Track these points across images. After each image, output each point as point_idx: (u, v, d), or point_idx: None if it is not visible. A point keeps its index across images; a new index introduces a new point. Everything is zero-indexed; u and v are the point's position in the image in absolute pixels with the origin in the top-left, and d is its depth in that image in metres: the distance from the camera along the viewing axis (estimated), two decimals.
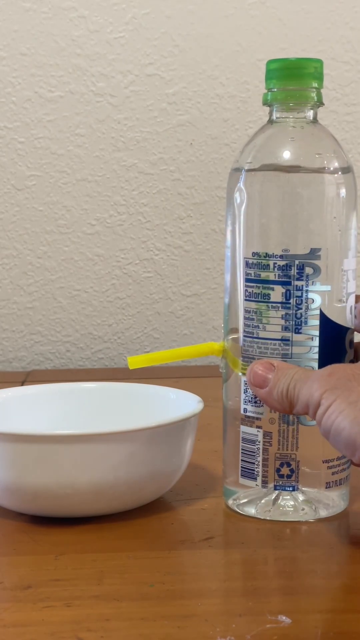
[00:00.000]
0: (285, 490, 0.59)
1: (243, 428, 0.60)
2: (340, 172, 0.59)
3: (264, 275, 0.58)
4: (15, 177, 1.08)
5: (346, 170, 0.59)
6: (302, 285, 0.58)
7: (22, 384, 0.99)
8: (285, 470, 0.59)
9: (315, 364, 0.58)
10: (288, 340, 0.58)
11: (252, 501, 0.60)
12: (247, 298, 0.59)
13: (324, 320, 0.58)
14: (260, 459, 0.59)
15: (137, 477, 0.59)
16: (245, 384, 0.59)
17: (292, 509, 0.59)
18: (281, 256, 0.58)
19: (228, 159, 1.10)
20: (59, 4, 1.07)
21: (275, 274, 0.58)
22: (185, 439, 0.62)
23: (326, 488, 0.60)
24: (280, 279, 0.58)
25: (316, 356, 0.58)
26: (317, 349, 0.58)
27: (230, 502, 0.62)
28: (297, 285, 0.58)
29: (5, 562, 0.55)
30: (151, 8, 1.08)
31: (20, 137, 1.08)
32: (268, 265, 0.58)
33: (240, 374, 0.60)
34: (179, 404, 0.65)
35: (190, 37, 1.08)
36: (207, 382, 0.77)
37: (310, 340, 0.58)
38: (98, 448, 0.57)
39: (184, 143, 1.09)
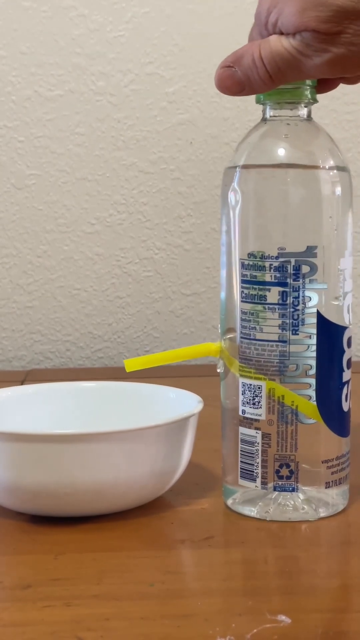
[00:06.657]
0: (285, 491, 0.59)
1: (241, 429, 0.60)
2: (335, 170, 0.59)
3: (259, 276, 0.58)
4: (15, 176, 1.08)
5: (341, 168, 0.59)
6: (299, 285, 0.58)
7: (22, 383, 0.99)
8: (284, 472, 0.59)
9: (313, 362, 0.58)
10: (285, 340, 0.58)
11: (252, 501, 0.60)
12: (244, 300, 0.59)
13: (321, 319, 0.58)
14: (259, 460, 0.59)
15: (137, 476, 0.59)
16: (243, 385, 0.59)
17: (292, 508, 0.59)
18: (277, 256, 0.57)
19: (228, 157, 1.09)
20: (59, 2, 1.07)
21: (271, 275, 0.58)
22: (185, 438, 0.62)
23: (326, 487, 0.60)
24: (276, 280, 0.58)
25: (314, 354, 0.58)
26: (314, 347, 0.58)
27: (230, 501, 0.61)
28: (293, 285, 0.58)
29: (5, 561, 0.55)
30: (151, 7, 1.08)
31: (20, 136, 1.08)
32: (264, 266, 0.58)
33: (237, 374, 0.60)
34: (179, 403, 0.65)
35: (190, 36, 1.08)
36: (207, 381, 0.76)
37: (308, 338, 0.58)
38: (98, 447, 0.57)
39: (183, 142, 1.09)
